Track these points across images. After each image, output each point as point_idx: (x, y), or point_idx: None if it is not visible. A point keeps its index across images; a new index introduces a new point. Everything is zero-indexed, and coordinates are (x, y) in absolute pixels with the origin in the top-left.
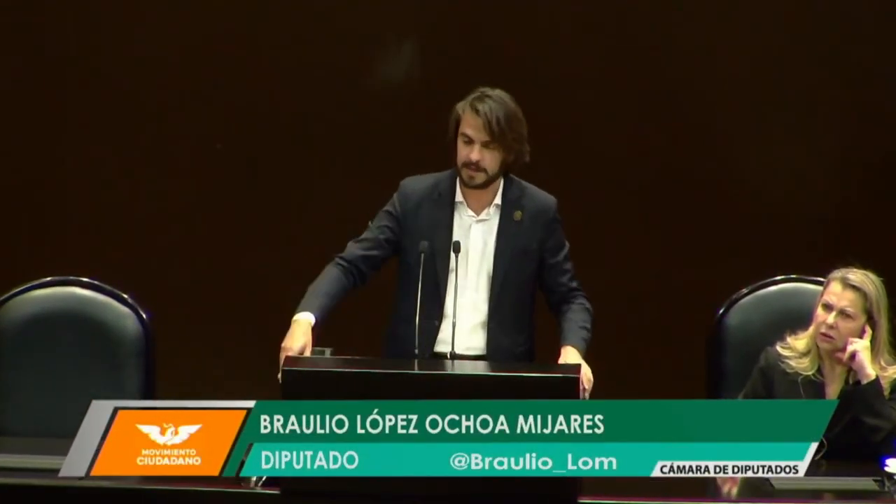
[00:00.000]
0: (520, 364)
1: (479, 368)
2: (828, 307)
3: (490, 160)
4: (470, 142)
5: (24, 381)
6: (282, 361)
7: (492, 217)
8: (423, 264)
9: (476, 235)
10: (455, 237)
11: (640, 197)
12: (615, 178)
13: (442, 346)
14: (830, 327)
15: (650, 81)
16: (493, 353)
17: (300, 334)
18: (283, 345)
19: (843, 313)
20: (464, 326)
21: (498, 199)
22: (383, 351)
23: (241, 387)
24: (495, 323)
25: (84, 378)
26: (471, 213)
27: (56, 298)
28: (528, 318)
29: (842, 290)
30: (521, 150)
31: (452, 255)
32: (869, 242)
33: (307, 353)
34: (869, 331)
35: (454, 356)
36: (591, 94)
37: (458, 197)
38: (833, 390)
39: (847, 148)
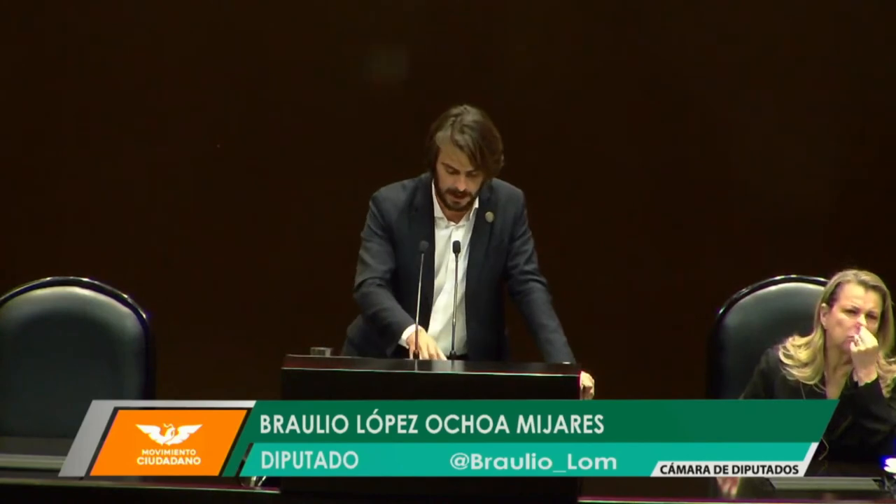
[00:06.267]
0: (520, 364)
1: (479, 368)
2: (853, 312)
3: (475, 186)
4: (454, 172)
5: (24, 381)
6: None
7: (469, 221)
8: (422, 266)
9: (455, 240)
10: (437, 247)
11: (640, 197)
12: (615, 178)
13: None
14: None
15: (649, 82)
16: (472, 350)
17: (428, 336)
18: (420, 347)
19: (870, 315)
20: (443, 326)
21: (476, 204)
22: (350, 351)
23: (241, 387)
24: (475, 322)
25: (84, 378)
26: (450, 224)
27: (56, 298)
28: (501, 311)
29: (865, 293)
30: (499, 165)
31: (434, 257)
32: (869, 242)
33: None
34: (874, 325)
35: (453, 357)
36: (590, 95)
37: (437, 213)
38: (833, 396)
39: (847, 148)
